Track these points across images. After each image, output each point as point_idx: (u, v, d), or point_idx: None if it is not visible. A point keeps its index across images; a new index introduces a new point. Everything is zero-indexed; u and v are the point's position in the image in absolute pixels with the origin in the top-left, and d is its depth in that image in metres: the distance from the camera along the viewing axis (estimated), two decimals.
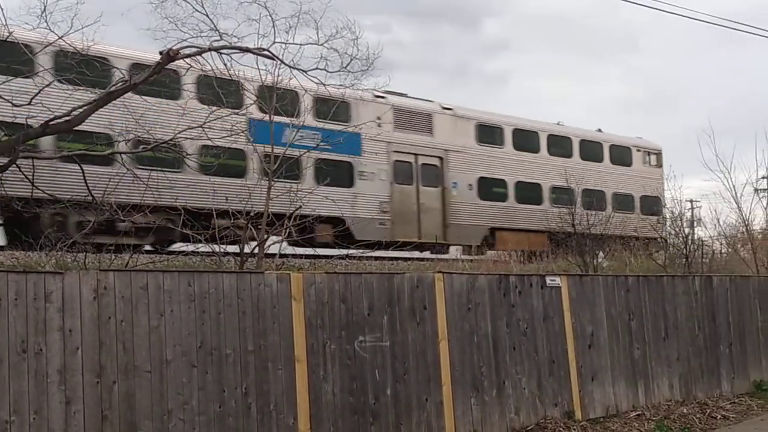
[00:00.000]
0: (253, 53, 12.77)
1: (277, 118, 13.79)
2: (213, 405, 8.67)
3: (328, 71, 13.74)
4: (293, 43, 13.31)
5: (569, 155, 27.00)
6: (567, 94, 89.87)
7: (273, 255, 14.48)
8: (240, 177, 17.40)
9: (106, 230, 13.93)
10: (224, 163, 16.04)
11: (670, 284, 14.11)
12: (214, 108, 13.79)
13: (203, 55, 12.64)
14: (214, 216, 12.87)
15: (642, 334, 13.29)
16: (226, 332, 8.91)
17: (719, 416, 12.97)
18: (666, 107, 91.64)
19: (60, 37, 11.93)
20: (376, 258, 19.25)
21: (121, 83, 12.12)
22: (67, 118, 11.92)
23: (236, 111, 14.58)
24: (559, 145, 26.90)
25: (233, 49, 12.71)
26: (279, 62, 13.13)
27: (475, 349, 11.07)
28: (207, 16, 12.61)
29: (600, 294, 12.83)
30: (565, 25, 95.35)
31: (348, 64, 13.86)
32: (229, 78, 13.62)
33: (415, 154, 22.93)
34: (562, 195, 23.53)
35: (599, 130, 29.36)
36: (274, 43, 12.98)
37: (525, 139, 25.90)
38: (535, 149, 26.18)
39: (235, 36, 12.83)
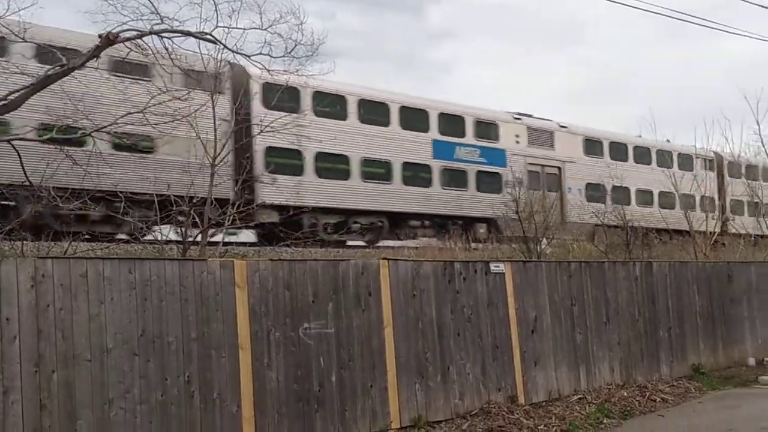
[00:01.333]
0: (195, 37, 12.61)
1: None
2: (155, 393, 8.56)
3: (272, 56, 13.65)
4: (236, 28, 13.19)
5: None
6: (513, 83, 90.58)
7: (217, 243, 14.35)
8: None
9: None
10: None
11: (611, 270, 14.31)
12: None
13: (144, 39, 12.42)
14: None
15: (584, 319, 13.46)
16: (168, 320, 8.79)
17: (658, 399, 13.20)
18: (613, 97, 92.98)
19: None
20: (321, 245, 19.27)
21: (58, 67, 11.83)
22: (3, 102, 11.62)
23: None
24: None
25: (174, 32, 12.53)
26: (222, 47, 12.99)
27: (420, 336, 11.10)
28: None
29: (543, 280, 12.96)
30: (510, 14, 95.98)
31: (292, 50, 13.78)
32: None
33: None
34: None
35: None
36: (217, 27, 12.86)
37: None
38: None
39: (176, 20, 12.67)
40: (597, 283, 13.85)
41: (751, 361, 16.42)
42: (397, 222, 24.27)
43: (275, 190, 20.75)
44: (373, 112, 24.10)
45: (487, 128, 26.45)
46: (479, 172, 25.66)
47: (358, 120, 23.66)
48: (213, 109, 13.30)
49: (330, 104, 22.62)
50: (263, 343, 9.52)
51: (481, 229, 22.16)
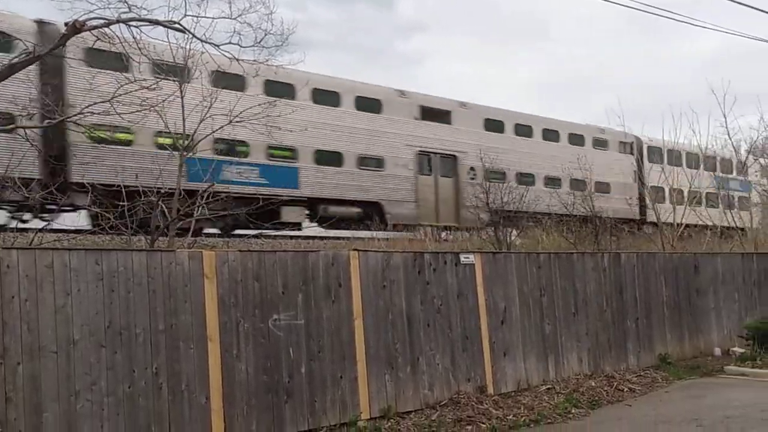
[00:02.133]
0: (164, 26, 12.50)
1: None
2: (122, 385, 8.50)
3: (241, 46, 13.57)
4: (205, 17, 13.12)
5: None
6: (484, 77, 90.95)
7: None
8: None
9: None
10: None
11: (580, 261, 14.38)
12: None
13: (111, 27, 12.28)
14: None
15: (553, 309, 13.53)
16: (135, 311, 8.73)
17: (626, 389, 13.29)
18: (583, 91, 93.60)
19: None
20: (292, 237, 19.23)
21: (24, 55, 11.67)
22: None
23: None
24: None
25: (142, 21, 12.41)
26: (191, 36, 12.87)
27: (389, 326, 11.10)
28: None
29: (512, 271, 13.00)
30: (482, 8, 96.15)
31: (262, 39, 13.72)
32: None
33: None
34: None
35: None
36: (185, 16, 12.77)
37: None
38: None
39: (144, 8, 12.54)
40: (566, 274, 13.92)
41: (717, 351, 16.60)
42: None
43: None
44: (691, 160, 31.84)
45: (741, 167, 35.15)
46: (740, 197, 33.64)
47: (686, 166, 31.17)
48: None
49: (678, 158, 31.52)
50: (232, 335, 9.47)
51: (736, 235, 27.01)
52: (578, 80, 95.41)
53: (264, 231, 17.04)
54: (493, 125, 28.22)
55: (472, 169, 26.65)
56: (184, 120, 13.42)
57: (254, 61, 14.32)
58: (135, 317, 8.72)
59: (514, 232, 20.77)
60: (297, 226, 20.75)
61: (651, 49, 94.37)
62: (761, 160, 34.30)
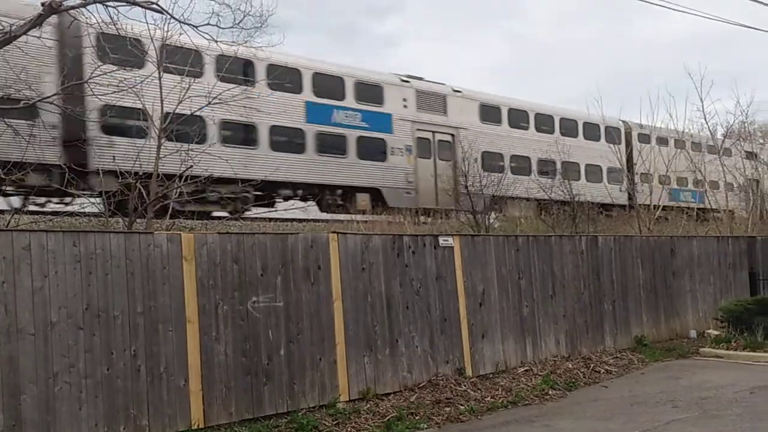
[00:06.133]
0: (141, 6, 12.35)
1: None
2: (101, 368, 8.48)
3: (220, 27, 13.43)
4: None
5: None
6: (456, 59, 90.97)
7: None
8: None
9: None
10: None
11: (557, 244, 14.46)
12: None
13: (88, 8, 12.15)
14: None
15: (531, 292, 13.61)
16: (114, 294, 8.70)
17: (602, 370, 13.43)
18: (553, 73, 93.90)
19: None
20: (270, 219, 19.22)
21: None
22: None
23: None
24: None
25: (120, 1, 12.26)
26: (168, 17, 12.75)
27: (369, 309, 11.13)
28: None
29: (491, 254, 13.06)
30: None
31: (241, 21, 13.58)
32: None
33: None
34: None
35: None
36: None
37: None
38: None
39: None
40: (544, 256, 14.00)
41: (693, 333, 16.78)
42: None
43: None
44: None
45: None
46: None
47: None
48: None
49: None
50: (211, 317, 9.47)
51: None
52: (547, 63, 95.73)
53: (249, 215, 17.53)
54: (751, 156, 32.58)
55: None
56: None
57: (233, 42, 14.21)
58: (113, 299, 8.69)
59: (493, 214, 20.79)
60: None
61: (621, 30, 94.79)
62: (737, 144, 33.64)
